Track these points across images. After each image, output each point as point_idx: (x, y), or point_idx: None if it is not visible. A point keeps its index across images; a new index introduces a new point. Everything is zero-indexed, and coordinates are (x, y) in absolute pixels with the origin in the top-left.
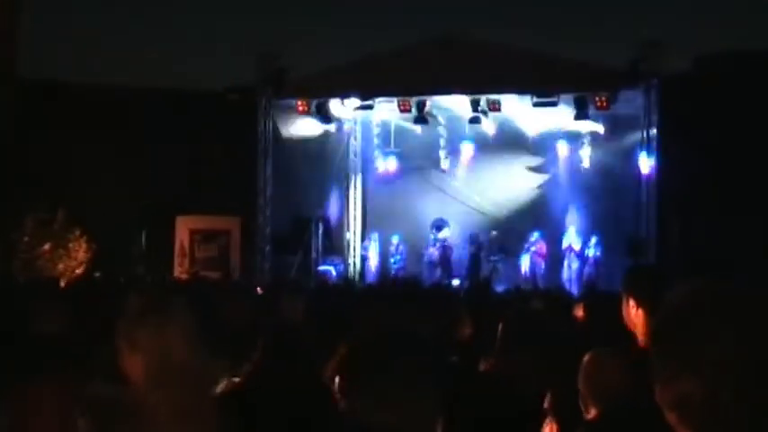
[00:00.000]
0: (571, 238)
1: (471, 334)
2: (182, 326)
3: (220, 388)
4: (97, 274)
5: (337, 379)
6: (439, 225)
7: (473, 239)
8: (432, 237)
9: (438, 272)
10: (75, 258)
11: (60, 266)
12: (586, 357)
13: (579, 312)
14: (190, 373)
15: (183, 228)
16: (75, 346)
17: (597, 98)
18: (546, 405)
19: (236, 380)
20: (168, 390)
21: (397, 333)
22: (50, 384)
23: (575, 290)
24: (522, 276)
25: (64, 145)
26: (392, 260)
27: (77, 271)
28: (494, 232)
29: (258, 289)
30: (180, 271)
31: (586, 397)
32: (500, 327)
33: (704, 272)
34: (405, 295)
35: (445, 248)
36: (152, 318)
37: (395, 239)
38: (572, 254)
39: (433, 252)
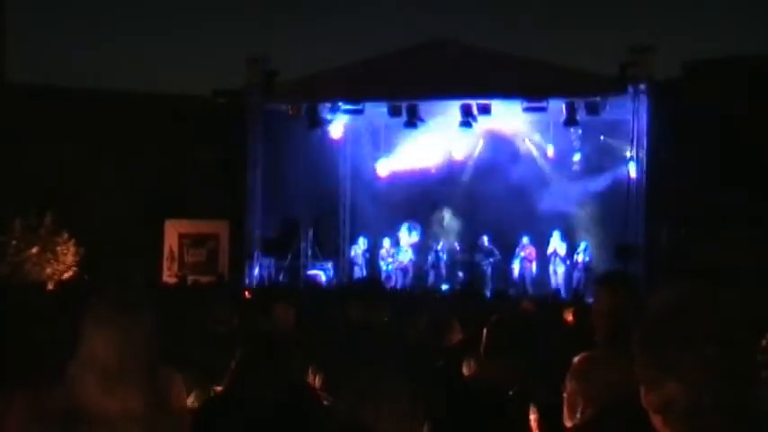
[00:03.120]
0: (555, 243)
1: (461, 339)
2: (136, 332)
3: (195, 398)
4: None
5: (317, 380)
6: (411, 228)
7: (463, 244)
8: (404, 241)
9: (432, 276)
10: (64, 262)
11: (48, 270)
12: (581, 356)
13: (569, 317)
14: (144, 381)
15: (172, 232)
16: (48, 353)
17: (586, 103)
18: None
19: (218, 388)
20: (121, 396)
21: (375, 336)
22: (19, 392)
23: (562, 294)
24: (512, 281)
25: (52, 148)
26: (383, 264)
27: (65, 275)
28: (484, 237)
29: (246, 293)
30: (168, 275)
31: (579, 396)
32: (484, 332)
33: (692, 278)
34: (368, 295)
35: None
36: (107, 324)
37: (386, 243)
38: (557, 258)
39: (405, 256)
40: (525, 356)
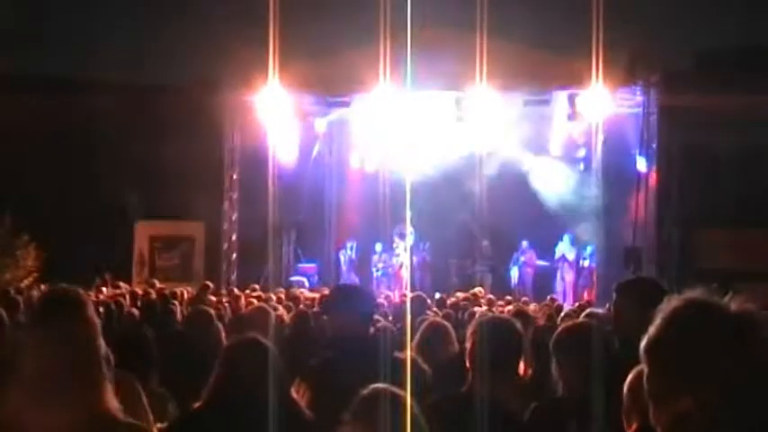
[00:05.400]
0: (565, 248)
1: (458, 351)
2: (64, 344)
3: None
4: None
5: (303, 396)
6: (401, 233)
7: (460, 250)
8: (394, 245)
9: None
10: (24, 267)
11: (7, 276)
12: (636, 370)
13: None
14: (72, 395)
15: (143, 234)
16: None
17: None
18: None
19: (196, 405)
20: (46, 410)
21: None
22: None
23: (569, 303)
24: (511, 288)
25: (11, 145)
26: (374, 270)
27: (26, 281)
28: (485, 242)
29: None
30: (139, 281)
31: (631, 411)
32: (470, 343)
33: (706, 285)
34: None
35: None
36: (31, 334)
37: (378, 248)
38: (565, 264)
39: (394, 263)
40: (514, 370)
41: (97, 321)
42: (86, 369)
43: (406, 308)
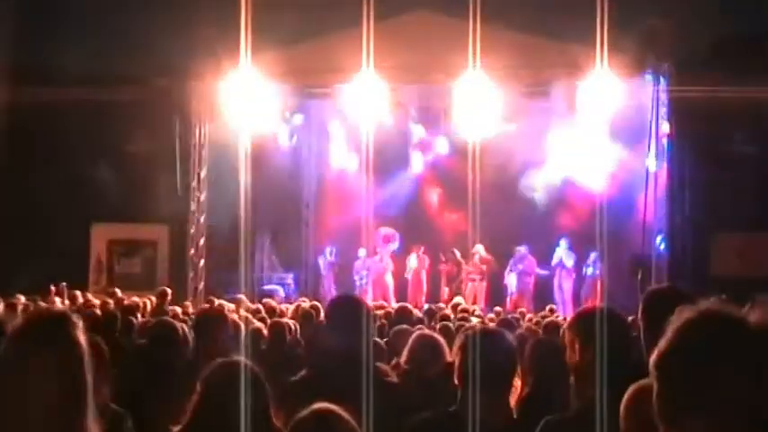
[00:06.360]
0: (562, 254)
1: (449, 365)
2: (47, 380)
3: None
4: None
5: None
6: (388, 237)
7: (449, 256)
8: (383, 250)
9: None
10: None
11: None
12: (633, 388)
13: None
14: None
15: (100, 238)
16: None
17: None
18: None
19: (175, 429)
20: None
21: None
22: None
23: (569, 313)
24: (506, 298)
25: None
26: (357, 278)
27: None
28: (479, 246)
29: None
30: (96, 290)
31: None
32: (457, 359)
33: (721, 295)
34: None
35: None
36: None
37: (361, 253)
38: (563, 272)
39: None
40: (507, 387)
41: (85, 346)
42: (71, 404)
43: (392, 319)
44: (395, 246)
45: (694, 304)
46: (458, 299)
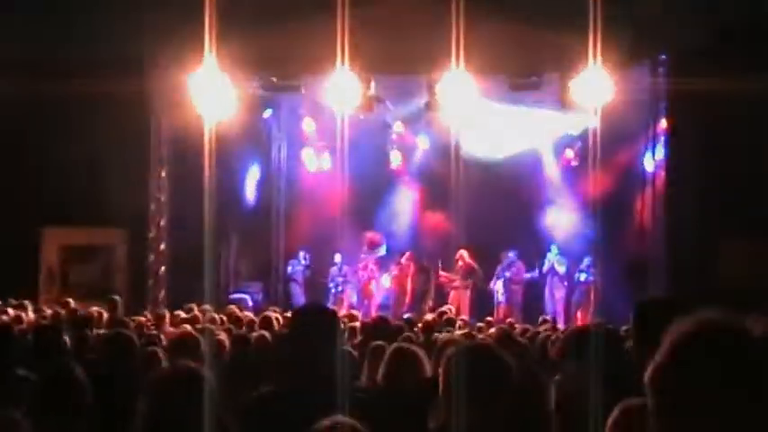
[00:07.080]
0: (553, 260)
1: (430, 378)
2: None
3: None
4: None
5: None
6: (372, 242)
7: (430, 262)
8: (363, 256)
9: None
10: None
11: None
12: (622, 406)
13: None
14: None
15: (52, 243)
16: None
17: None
18: None
19: None
20: None
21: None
22: None
23: (560, 322)
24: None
25: None
26: (332, 285)
27: None
28: (463, 251)
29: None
30: (47, 299)
31: None
32: (442, 377)
33: (727, 305)
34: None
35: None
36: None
37: (337, 258)
38: (554, 278)
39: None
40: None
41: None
42: None
43: (370, 330)
44: (382, 251)
45: (689, 314)
46: (445, 307)
